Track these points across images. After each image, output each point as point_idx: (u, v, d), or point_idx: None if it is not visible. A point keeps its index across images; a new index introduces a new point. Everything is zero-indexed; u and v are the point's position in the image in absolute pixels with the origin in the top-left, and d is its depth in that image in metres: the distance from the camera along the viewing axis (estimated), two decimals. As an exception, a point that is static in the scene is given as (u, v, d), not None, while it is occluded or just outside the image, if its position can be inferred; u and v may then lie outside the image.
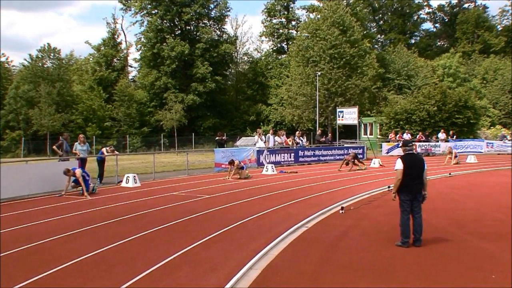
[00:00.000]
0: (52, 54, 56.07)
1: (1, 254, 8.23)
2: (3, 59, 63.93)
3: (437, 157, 30.08)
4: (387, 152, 34.57)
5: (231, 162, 20.45)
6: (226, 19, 61.92)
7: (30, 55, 56.15)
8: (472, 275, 7.14)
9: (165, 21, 57.35)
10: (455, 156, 27.54)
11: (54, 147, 20.52)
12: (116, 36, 63.64)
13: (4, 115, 52.00)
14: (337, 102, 46.31)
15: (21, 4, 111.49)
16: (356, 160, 24.16)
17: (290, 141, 28.43)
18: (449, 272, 7.28)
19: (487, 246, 8.79)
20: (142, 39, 58.55)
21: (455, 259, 7.98)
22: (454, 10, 77.80)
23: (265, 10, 65.49)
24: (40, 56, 55.60)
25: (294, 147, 27.83)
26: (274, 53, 66.14)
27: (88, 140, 21.84)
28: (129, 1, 60.26)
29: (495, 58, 61.98)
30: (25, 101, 51.05)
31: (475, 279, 6.95)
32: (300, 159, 27.20)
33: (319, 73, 44.68)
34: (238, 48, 64.94)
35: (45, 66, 55.30)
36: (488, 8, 75.42)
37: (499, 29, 73.80)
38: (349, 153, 25.45)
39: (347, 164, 23.99)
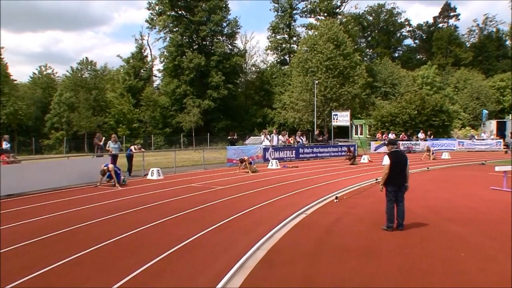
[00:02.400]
0: (89, 66, 56.54)
1: (46, 236, 8.26)
2: (49, 71, 64.69)
3: (417, 154, 30.03)
4: (375, 150, 34.43)
5: (242, 160, 20.44)
6: (237, 35, 62.09)
7: (71, 67, 56.55)
8: (445, 253, 7.25)
9: (184, 37, 57.45)
10: (432, 153, 27.76)
11: (97, 142, 20.73)
12: (143, 51, 64.06)
13: (49, 118, 52.49)
14: (332, 107, 46.33)
15: (65, 25, 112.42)
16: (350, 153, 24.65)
17: (292, 140, 28.35)
18: (426, 251, 7.37)
19: (457, 229, 8.89)
20: (165, 53, 58.67)
21: (431, 240, 8.06)
22: (431, 28, 78.57)
23: (270, 27, 65.51)
24: (79, 68, 56.08)
25: (295, 145, 27.72)
26: (278, 65, 66.01)
27: (119, 139, 21.86)
28: (154, 21, 60.30)
29: (464, 70, 62.64)
30: (67, 106, 51.52)
31: (447, 257, 7.06)
32: (301, 155, 27.08)
33: (317, 81, 44.69)
34: (247, 60, 64.90)
35: (84, 76, 55.73)
36: (458, 27, 77.07)
37: (468, 45, 75.10)
38: (350, 150, 25.97)
39: (349, 158, 24.18)
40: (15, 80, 59.07)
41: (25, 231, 8.83)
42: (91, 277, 6.09)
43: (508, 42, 72.66)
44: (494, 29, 74.36)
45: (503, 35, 73.62)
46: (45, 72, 64.54)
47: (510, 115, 50.69)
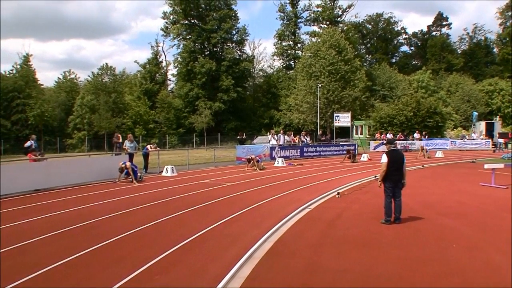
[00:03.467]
0: (109, 71, 56.71)
1: (70, 227, 8.35)
2: (72, 76, 65.09)
3: (413, 153, 29.88)
4: (374, 149, 34.31)
5: (249, 160, 20.43)
6: (245, 42, 61.94)
7: (92, 72, 56.80)
8: (438, 244, 7.29)
9: (197, 44, 57.46)
10: (426, 151, 27.87)
11: (116, 140, 20.90)
12: (158, 57, 64.10)
13: (72, 119, 52.83)
14: (334, 109, 46.16)
15: (87, 33, 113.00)
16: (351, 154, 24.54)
17: (297, 139, 28.28)
18: (421, 243, 7.42)
19: (449, 222, 8.92)
20: (179, 59, 58.77)
21: (425, 232, 8.09)
22: (425, 36, 78.58)
23: (276, 35, 65.25)
24: (100, 73, 56.27)
25: (300, 144, 27.66)
26: (284, 69, 65.82)
27: (135, 139, 21.98)
28: (168, 29, 60.38)
29: (456, 75, 62.60)
30: (88, 108, 51.78)
31: (440, 248, 7.09)
32: (305, 154, 27.03)
33: (320, 85, 44.50)
34: (255, 65, 64.79)
35: (104, 80, 55.90)
36: (450, 36, 77.16)
37: (459, 52, 75.33)
38: (351, 149, 26.13)
39: (349, 157, 24.13)
40: (42, 85, 59.65)
41: (51, 223, 8.93)
42: (111, 266, 6.15)
43: (495, 50, 73.34)
44: (483, 38, 75.08)
45: (491, 43, 74.30)
46: (68, 77, 64.93)
47: (498, 117, 51.36)
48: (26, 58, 55.83)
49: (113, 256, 6.64)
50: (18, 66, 54.70)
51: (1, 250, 6.89)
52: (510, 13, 65.06)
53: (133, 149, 19.12)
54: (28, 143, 18.06)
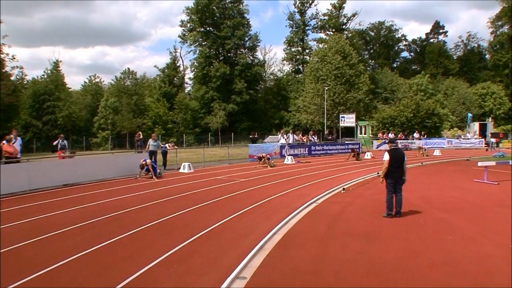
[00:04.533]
0: (130, 76, 57.23)
1: (96, 219, 8.48)
2: (97, 80, 65.81)
3: (413, 151, 29.73)
4: (377, 147, 34.19)
5: (260, 157, 20.44)
6: (257, 48, 61.68)
7: (115, 76, 57.55)
8: (435, 237, 7.32)
9: (212, 50, 57.54)
10: (425, 150, 28.20)
11: (137, 138, 21.05)
12: (176, 61, 64.32)
13: (97, 120, 53.40)
14: (340, 110, 45.99)
15: (111, 41, 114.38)
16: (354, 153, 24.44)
17: (305, 138, 28.22)
18: (419, 235, 7.43)
19: (446, 216, 8.90)
20: (195, 63, 58.83)
21: (424, 226, 8.10)
22: (424, 43, 78.38)
23: (286, 41, 65.15)
24: (122, 77, 56.83)
25: (308, 143, 27.61)
26: (293, 73, 65.59)
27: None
28: (186, 36, 60.58)
29: (452, 79, 62.53)
30: (112, 110, 52.23)
31: (437, 240, 7.11)
32: (313, 152, 26.97)
33: (327, 88, 44.44)
34: (266, 69, 64.54)
35: (126, 84, 56.39)
36: (446, 42, 77.03)
37: (455, 58, 75.44)
38: (355, 147, 26.13)
39: (353, 156, 24.04)
40: (70, 88, 60.50)
41: (80, 214, 9.10)
42: (133, 255, 6.25)
43: (487, 56, 73.64)
44: (476, 45, 75.54)
45: (483, 50, 74.82)
46: (94, 81, 65.77)
47: (490, 118, 51.60)
48: (56, 64, 56.70)
49: (135, 246, 6.74)
50: (49, 72, 55.56)
51: (44, 236, 7.10)
52: (500, 23, 65.86)
53: (156, 148, 19.18)
54: (56, 142, 18.27)
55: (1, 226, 8.04)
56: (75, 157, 17.84)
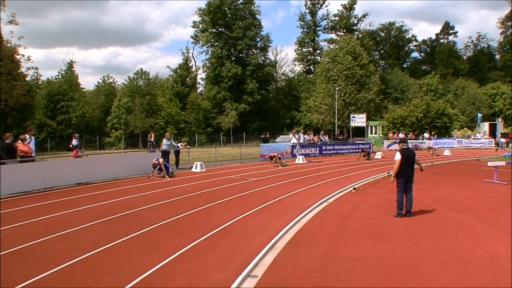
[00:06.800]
0: (143, 76, 57.54)
1: (109, 217, 8.62)
2: (110, 80, 66.47)
3: (423, 151, 29.65)
4: (387, 147, 34.21)
5: (271, 157, 20.47)
6: (268, 48, 61.87)
7: (128, 77, 57.91)
8: (445, 236, 7.32)
9: (224, 50, 57.81)
10: (435, 150, 28.36)
11: (149, 139, 21.26)
12: (188, 62, 64.79)
13: (110, 119, 53.91)
14: (351, 110, 46.01)
15: (124, 42, 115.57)
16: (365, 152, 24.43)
17: (316, 138, 28.18)
18: (429, 234, 7.42)
19: (456, 216, 8.88)
20: (207, 64, 59.29)
21: (434, 225, 8.09)
22: (434, 43, 77.83)
23: (297, 41, 65.29)
24: (135, 77, 57.17)
25: (319, 143, 27.55)
26: (304, 73, 65.60)
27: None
28: (198, 37, 60.96)
29: (462, 79, 62.22)
30: (125, 109, 52.66)
31: (447, 239, 7.11)
32: (323, 152, 26.91)
33: (337, 88, 44.41)
34: (277, 70, 64.57)
35: (139, 84, 56.73)
36: (456, 43, 76.36)
37: (465, 58, 74.94)
38: (366, 147, 26.16)
39: (364, 155, 23.98)
40: (83, 88, 61.04)
41: (95, 212, 9.24)
42: (146, 253, 6.34)
43: (497, 56, 73.16)
44: (486, 45, 74.84)
45: (493, 50, 74.18)
46: (107, 81, 66.34)
47: (500, 118, 51.32)
48: (70, 65, 57.39)
49: (150, 243, 6.84)
50: (63, 72, 56.27)
51: (58, 234, 7.24)
52: (510, 23, 65.35)
53: (169, 147, 19.30)
54: (75, 142, 18.48)
55: (15, 224, 8.23)
56: (89, 156, 18.08)
